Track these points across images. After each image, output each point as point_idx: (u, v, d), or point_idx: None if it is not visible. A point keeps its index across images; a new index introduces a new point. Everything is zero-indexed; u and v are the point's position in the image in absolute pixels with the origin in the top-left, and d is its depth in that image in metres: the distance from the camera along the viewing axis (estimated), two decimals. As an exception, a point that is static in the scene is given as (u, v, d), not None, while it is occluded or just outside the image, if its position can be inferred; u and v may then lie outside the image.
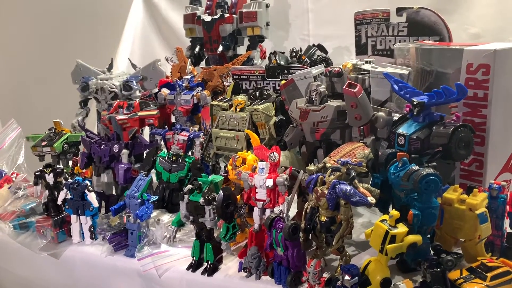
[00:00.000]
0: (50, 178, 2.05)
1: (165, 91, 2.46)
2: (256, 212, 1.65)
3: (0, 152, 2.58)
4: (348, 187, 1.44)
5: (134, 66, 2.79)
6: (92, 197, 1.91)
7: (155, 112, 2.39)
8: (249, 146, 2.03)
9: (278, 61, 2.63)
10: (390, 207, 1.69)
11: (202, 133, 2.25)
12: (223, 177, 1.81)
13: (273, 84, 2.41)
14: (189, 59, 2.88)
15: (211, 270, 1.67)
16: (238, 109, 2.14)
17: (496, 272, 1.39)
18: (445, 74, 1.93)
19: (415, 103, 1.68)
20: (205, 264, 1.69)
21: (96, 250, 1.90)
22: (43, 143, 2.44)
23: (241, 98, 2.15)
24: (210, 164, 2.26)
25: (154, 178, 2.13)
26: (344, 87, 1.80)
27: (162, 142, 2.32)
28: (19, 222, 2.10)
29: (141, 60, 3.06)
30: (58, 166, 2.15)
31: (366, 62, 2.15)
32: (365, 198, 1.43)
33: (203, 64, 3.05)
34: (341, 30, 2.83)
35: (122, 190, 2.12)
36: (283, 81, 2.15)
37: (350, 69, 2.16)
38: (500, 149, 1.84)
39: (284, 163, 1.87)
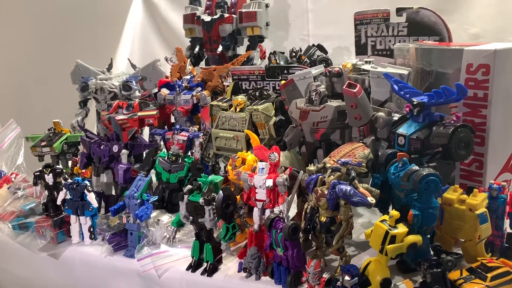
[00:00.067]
0: (49, 178, 2.05)
1: (164, 91, 2.45)
2: (256, 212, 1.65)
3: (-1, 152, 2.58)
4: (348, 187, 1.44)
5: (133, 66, 2.79)
6: (91, 197, 1.91)
7: (154, 112, 2.39)
8: (248, 146, 2.03)
9: (278, 61, 2.62)
10: (390, 207, 1.69)
11: (202, 133, 2.25)
12: (222, 178, 1.81)
13: (272, 84, 2.41)
14: (189, 59, 2.88)
15: (211, 271, 1.67)
16: (237, 109, 2.14)
17: (496, 272, 1.39)
18: (445, 74, 1.93)
19: (415, 103, 1.68)
20: (205, 264, 1.69)
21: (96, 250, 1.90)
22: (43, 143, 2.44)
23: (241, 98, 2.15)
24: (209, 164, 2.26)
25: (154, 179, 2.13)
26: (344, 87, 1.80)
27: (162, 142, 2.32)
28: (18, 222, 2.10)
29: (141, 60, 3.06)
30: (57, 166, 2.15)
31: (366, 62, 2.15)
32: (365, 199, 1.43)
33: (202, 64, 3.05)
34: (341, 30, 2.83)
35: (121, 191, 2.12)
36: (283, 81, 2.15)
37: (350, 69, 2.16)
38: (500, 149, 1.84)
39: (284, 163, 1.87)
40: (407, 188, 1.51)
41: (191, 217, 1.71)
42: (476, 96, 1.78)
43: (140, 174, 1.92)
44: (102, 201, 2.13)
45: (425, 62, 2.00)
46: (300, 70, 2.26)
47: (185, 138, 2.21)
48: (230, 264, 1.71)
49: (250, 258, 1.58)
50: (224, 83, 2.63)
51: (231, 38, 2.90)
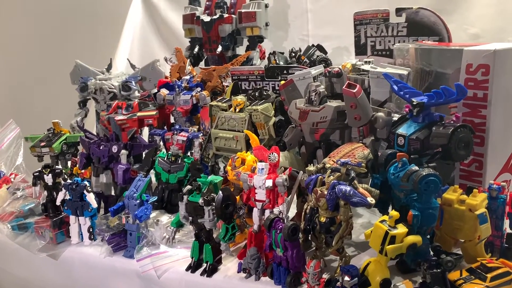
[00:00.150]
0: (49, 178, 2.05)
1: (164, 91, 2.45)
2: (255, 212, 1.65)
3: (-2, 153, 2.58)
4: (348, 188, 1.43)
5: (133, 66, 2.79)
6: (91, 197, 1.91)
7: (154, 113, 2.39)
8: (248, 147, 2.03)
9: (277, 61, 2.62)
10: (390, 207, 1.68)
11: (201, 134, 2.25)
12: (222, 178, 1.81)
13: (272, 84, 2.41)
14: (188, 60, 2.88)
15: (210, 271, 1.67)
16: (237, 110, 2.13)
17: (496, 272, 1.39)
18: (444, 74, 1.93)
19: (414, 103, 1.68)
20: (204, 265, 1.69)
21: (95, 251, 1.89)
22: (42, 144, 2.44)
23: (240, 98, 2.15)
24: (209, 164, 2.26)
25: (153, 179, 2.13)
26: (343, 87, 1.80)
27: (161, 143, 2.32)
28: (17, 223, 2.10)
29: (140, 61, 3.06)
30: (57, 166, 2.15)
31: (366, 62, 2.15)
32: (364, 199, 1.43)
33: (202, 64, 3.05)
34: (341, 31, 2.83)
35: (121, 191, 2.11)
36: (283, 82, 2.15)
37: (350, 70, 2.16)
38: (500, 149, 1.84)
39: (284, 163, 1.87)
40: (407, 189, 1.51)
41: (190, 218, 1.71)
42: (476, 96, 1.78)
43: (139, 175, 1.92)
44: (102, 202, 2.13)
45: (424, 62, 2.00)
46: (300, 70, 2.25)
47: (185, 139, 2.21)
48: (229, 265, 1.71)
49: (250, 259, 1.58)
50: (223, 83, 2.63)
51: (231, 38, 2.90)
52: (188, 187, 1.72)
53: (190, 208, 1.70)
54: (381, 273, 1.43)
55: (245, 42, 2.95)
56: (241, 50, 2.98)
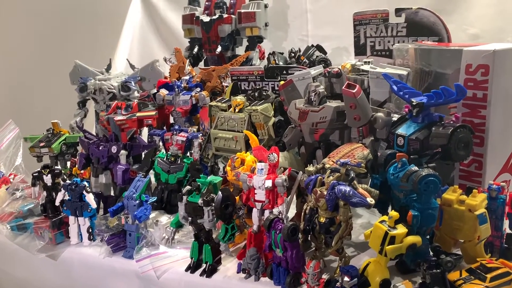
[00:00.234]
0: (48, 179, 2.04)
1: (163, 91, 2.45)
2: (255, 213, 1.65)
3: (-2, 153, 2.58)
4: (347, 188, 1.43)
5: (132, 66, 2.79)
6: (90, 198, 1.91)
7: (153, 113, 2.39)
8: (248, 147, 2.02)
9: (277, 61, 2.62)
10: (390, 208, 1.68)
11: (201, 134, 2.25)
12: (221, 178, 1.81)
13: (272, 84, 2.41)
14: (188, 60, 2.88)
15: (210, 271, 1.67)
16: (236, 110, 2.13)
17: (496, 273, 1.39)
18: (444, 74, 1.93)
19: (414, 103, 1.68)
20: (204, 265, 1.69)
21: (94, 251, 1.89)
22: (41, 144, 2.44)
23: (240, 98, 2.15)
24: (208, 165, 2.26)
25: (153, 179, 2.13)
26: (343, 87, 1.80)
27: (161, 143, 2.32)
28: (16, 223, 2.10)
29: (140, 61, 3.06)
30: (56, 167, 2.14)
31: (365, 62, 2.15)
32: (364, 199, 1.43)
33: (201, 64, 3.05)
34: (340, 31, 2.83)
35: (120, 191, 2.11)
36: (282, 82, 2.15)
37: (349, 70, 2.15)
38: (500, 149, 1.84)
39: (283, 164, 1.87)
40: (407, 189, 1.51)
41: (190, 218, 1.71)
42: (475, 96, 1.78)
43: (138, 175, 1.92)
44: (101, 202, 2.12)
45: (424, 62, 2.00)
46: (299, 70, 2.25)
47: (184, 139, 2.21)
48: (229, 265, 1.70)
49: (249, 259, 1.58)
50: (223, 83, 2.62)
51: (230, 39, 2.90)
52: (188, 187, 1.72)
53: (190, 208, 1.69)
54: (381, 273, 1.43)
55: (245, 43, 2.95)
56: (240, 51, 2.98)
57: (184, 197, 1.70)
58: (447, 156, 1.64)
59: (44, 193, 2.06)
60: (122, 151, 2.13)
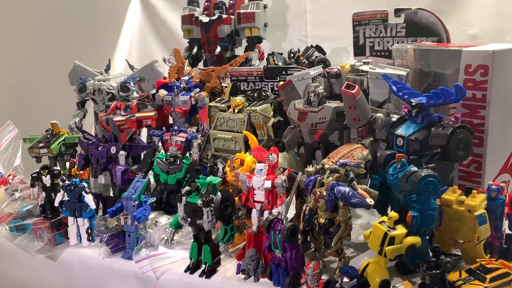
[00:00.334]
0: (47, 179, 2.04)
1: (162, 92, 2.45)
2: (254, 213, 1.65)
3: (-3, 154, 2.57)
4: (347, 189, 1.43)
5: (131, 67, 2.78)
6: (89, 199, 1.90)
7: (152, 114, 2.39)
8: (247, 148, 2.02)
9: (276, 62, 2.62)
10: (389, 208, 1.68)
11: (200, 135, 2.25)
12: (221, 179, 1.81)
13: (271, 85, 2.40)
14: (187, 60, 2.88)
15: (209, 272, 1.66)
16: (236, 110, 2.13)
17: (495, 273, 1.39)
18: (443, 75, 1.93)
19: (413, 104, 1.68)
20: (203, 266, 1.69)
21: (93, 252, 1.89)
22: (40, 145, 2.43)
23: (239, 99, 2.15)
24: (208, 165, 2.25)
25: (152, 180, 2.12)
26: (342, 88, 1.80)
27: (160, 144, 2.31)
28: (15, 224, 2.09)
29: (139, 61, 3.06)
30: (55, 167, 2.14)
31: (364, 63, 2.15)
32: (363, 200, 1.42)
33: (201, 65, 3.05)
34: (339, 31, 2.83)
35: (119, 192, 2.11)
36: (281, 82, 2.15)
37: (348, 70, 2.15)
38: (499, 150, 1.84)
39: (283, 164, 1.87)
40: (406, 189, 1.51)
41: (189, 219, 1.71)
42: (475, 97, 1.78)
43: (138, 176, 1.91)
44: (100, 203, 2.12)
45: (423, 63, 2.00)
46: (299, 71, 2.25)
47: (183, 139, 2.21)
48: (228, 266, 1.70)
49: (249, 260, 1.58)
50: (222, 84, 2.62)
51: (229, 39, 2.90)
52: (187, 188, 1.71)
53: (189, 209, 1.69)
54: (380, 274, 1.43)
55: (244, 43, 2.95)
56: (240, 51, 2.98)
57: (183, 198, 1.70)
58: (446, 156, 1.64)
59: (43, 193, 2.06)
60: (121, 152, 2.12)
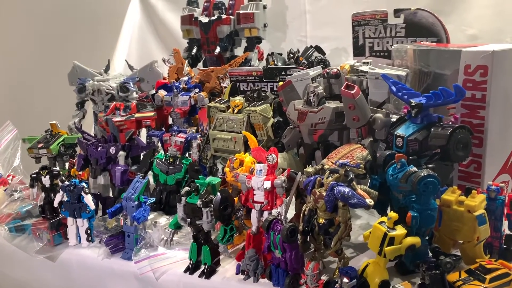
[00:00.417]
0: (46, 180, 2.04)
1: (162, 92, 2.45)
2: (254, 214, 1.65)
3: (-4, 154, 2.57)
4: (346, 189, 1.43)
5: (131, 67, 2.78)
6: (88, 199, 1.90)
7: (152, 114, 2.39)
8: (246, 148, 2.02)
9: (275, 62, 2.62)
10: (389, 209, 1.68)
11: (200, 135, 2.25)
12: (220, 179, 1.80)
13: (270, 85, 2.40)
14: (186, 61, 2.87)
15: (209, 273, 1.66)
16: (235, 111, 2.13)
17: (495, 274, 1.39)
18: (443, 75, 1.93)
19: (413, 104, 1.68)
20: (203, 266, 1.69)
21: (93, 252, 1.89)
22: (40, 145, 2.43)
23: (239, 99, 2.15)
24: (207, 166, 2.25)
25: (151, 180, 2.12)
26: (342, 88, 1.80)
27: (159, 144, 2.31)
28: (15, 224, 2.09)
29: (138, 62, 3.05)
30: (54, 168, 2.13)
31: (364, 63, 2.15)
32: (363, 200, 1.42)
33: (200, 65, 3.05)
34: (339, 32, 2.83)
35: (119, 192, 2.11)
36: (281, 83, 2.14)
37: (348, 71, 2.15)
38: (498, 150, 1.84)
39: (282, 164, 1.87)
40: (406, 190, 1.51)
41: (188, 219, 1.70)
42: (474, 97, 1.78)
43: (137, 176, 1.91)
44: (99, 203, 2.12)
45: (423, 63, 2.00)
46: (298, 71, 2.25)
47: (183, 140, 2.21)
48: (228, 266, 1.70)
49: (248, 260, 1.58)
50: (222, 84, 2.62)
51: (229, 40, 2.90)
52: (186, 188, 1.71)
53: (188, 209, 1.69)
54: (380, 274, 1.43)
55: (243, 43, 2.95)
56: (239, 51, 2.98)
57: (183, 198, 1.70)
58: (446, 157, 1.64)
59: (43, 194, 2.05)
60: (121, 152, 2.12)
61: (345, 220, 1.47)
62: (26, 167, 2.49)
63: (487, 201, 1.54)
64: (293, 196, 1.74)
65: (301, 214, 1.59)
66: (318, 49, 2.76)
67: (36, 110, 3.85)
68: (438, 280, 1.36)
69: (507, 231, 1.62)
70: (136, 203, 1.80)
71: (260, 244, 1.61)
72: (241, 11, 2.82)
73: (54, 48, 3.83)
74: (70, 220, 1.94)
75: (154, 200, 1.92)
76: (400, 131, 1.70)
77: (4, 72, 3.99)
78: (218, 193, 1.63)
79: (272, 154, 1.63)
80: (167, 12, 3.53)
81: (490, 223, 1.53)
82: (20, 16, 3.98)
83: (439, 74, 1.95)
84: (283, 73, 2.35)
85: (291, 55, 2.68)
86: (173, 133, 2.24)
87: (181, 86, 2.43)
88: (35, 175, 2.07)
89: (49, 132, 2.51)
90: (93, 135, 2.45)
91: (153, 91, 2.55)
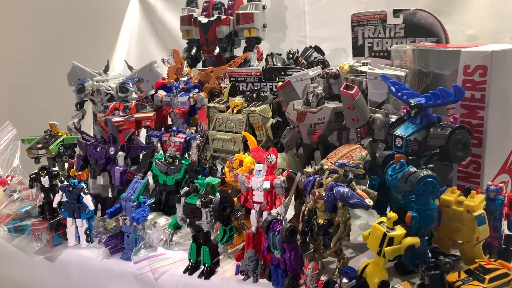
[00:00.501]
0: (45, 180, 2.04)
1: (161, 93, 2.45)
2: (253, 214, 1.65)
3: (-5, 155, 2.57)
4: (346, 189, 1.43)
5: (130, 68, 2.78)
6: (88, 199, 1.90)
7: (151, 114, 2.39)
8: (246, 148, 2.02)
9: (275, 62, 2.62)
10: (388, 209, 1.68)
11: (199, 135, 2.25)
12: (220, 180, 1.80)
13: (270, 86, 2.40)
14: (186, 61, 2.87)
15: (208, 273, 1.66)
16: (235, 111, 2.13)
17: (494, 274, 1.39)
18: (442, 75, 1.93)
19: (412, 104, 1.68)
20: (202, 267, 1.69)
21: (92, 253, 1.89)
22: (39, 146, 2.43)
23: (238, 100, 2.15)
24: (207, 166, 2.25)
25: (151, 181, 2.12)
26: (341, 89, 1.80)
27: (159, 144, 2.31)
28: (14, 225, 2.09)
29: (138, 62, 3.06)
30: (53, 168, 2.14)
31: (363, 63, 2.15)
32: (362, 200, 1.42)
33: (199, 66, 3.05)
34: (338, 32, 2.83)
35: (118, 193, 2.11)
36: (280, 83, 2.14)
37: (347, 71, 2.15)
38: (498, 150, 1.84)
39: (281, 165, 1.86)
40: (405, 190, 1.51)
41: (188, 220, 1.70)
42: (474, 97, 1.78)
43: (136, 176, 1.91)
44: (99, 204, 2.12)
45: (422, 63, 2.00)
46: (297, 71, 2.25)
47: (182, 140, 2.20)
48: (227, 267, 1.70)
49: (248, 261, 1.58)
50: (221, 84, 2.62)
51: (228, 40, 2.89)
52: (186, 189, 1.71)
53: (188, 210, 1.69)
54: (379, 274, 1.43)
55: (243, 44, 2.95)
56: (238, 52, 2.98)
57: (182, 199, 1.70)
58: (445, 157, 1.64)
59: (42, 194, 2.05)
60: (120, 153, 2.12)
61: (345, 220, 1.47)
62: (26, 168, 2.49)
63: (487, 201, 1.54)
64: (293, 197, 1.74)
65: (301, 215, 1.59)
66: (317, 49, 2.76)
67: (35, 110, 3.84)
68: (438, 280, 1.36)
69: (506, 231, 1.62)
70: (135, 203, 1.80)
71: (260, 244, 1.61)
72: (240, 12, 2.82)
73: (53, 49, 3.82)
74: (69, 220, 1.94)
75: (153, 201, 1.92)
76: (400, 131, 1.71)
77: (3, 72, 3.99)
78: (218, 194, 1.63)
79: (271, 155, 1.63)
80: (167, 13, 3.53)
81: (490, 223, 1.52)
82: (20, 16, 3.97)
83: (438, 74, 1.95)
84: (283, 73, 2.35)
85: (291, 56, 2.68)
86: (173, 134, 2.24)
87: (180, 86, 2.43)
88: (34, 175, 2.07)
89: (49, 133, 2.51)
90: (92, 135, 2.45)
91: (153, 92, 2.55)
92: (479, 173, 1.83)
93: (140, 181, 1.86)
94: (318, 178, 1.54)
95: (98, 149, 2.14)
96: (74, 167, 2.26)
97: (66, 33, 3.82)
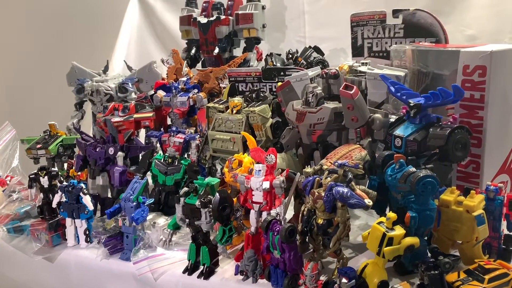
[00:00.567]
0: (44, 181, 2.04)
1: (161, 93, 2.45)
2: (252, 214, 1.64)
3: (-6, 155, 2.56)
4: (345, 189, 1.43)
5: (129, 68, 2.78)
6: (87, 200, 1.90)
7: (150, 114, 2.39)
8: (245, 148, 2.02)
9: (274, 63, 2.62)
10: (387, 209, 1.68)
11: (198, 135, 2.24)
12: (219, 180, 1.80)
13: (269, 86, 2.40)
14: (185, 61, 2.87)
15: (207, 273, 1.66)
16: (234, 111, 2.13)
17: (494, 274, 1.39)
18: (441, 75, 1.93)
19: (411, 105, 1.68)
20: (201, 267, 1.68)
21: (91, 253, 1.88)
22: (38, 146, 2.43)
23: (238, 100, 2.15)
24: (206, 166, 2.25)
25: (150, 181, 2.12)
26: (340, 89, 1.80)
27: (158, 145, 2.31)
28: (13, 225, 2.09)
29: (137, 62, 3.06)
30: (53, 169, 2.14)
31: (363, 64, 2.15)
32: (362, 201, 1.42)
33: (199, 66, 3.05)
34: (337, 32, 2.83)
35: (117, 193, 2.10)
36: (280, 83, 2.14)
37: (347, 71, 2.15)
38: (497, 150, 1.84)
39: (281, 165, 1.86)
40: (404, 190, 1.51)
41: (187, 220, 1.70)
42: (473, 97, 1.78)
43: (136, 177, 1.91)
44: (98, 204, 2.12)
45: (421, 63, 2.00)
46: (297, 72, 2.25)
47: (182, 140, 2.20)
48: (226, 267, 1.70)
49: (247, 261, 1.58)
50: (220, 85, 2.62)
51: (228, 40, 2.89)
52: (185, 189, 1.71)
53: (187, 210, 1.69)
54: (379, 275, 1.43)
55: (242, 44, 2.95)
56: (238, 52, 2.98)
57: (182, 199, 1.70)
58: (444, 157, 1.64)
59: (41, 195, 2.05)
60: (119, 153, 2.12)
61: (344, 220, 1.47)
62: (25, 168, 2.49)
63: (486, 201, 1.54)
64: (292, 197, 1.74)
65: (300, 215, 1.59)
66: (316, 49, 2.76)
67: (34, 110, 3.84)
68: (437, 281, 1.36)
69: (505, 231, 1.62)
70: (134, 203, 1.80)
71: (259, 244, 1.61)
72: (240, 12, 2.82)
73: (52, 49, 3.82)
74: (68, 220, 1.94)
75: (152, 201, 1.92)
76: (399, 131, 1.71)
77: (2, 72, 3.99)
78: (217, 194, 1.63)
79: (271, 155, 1.63)
80: (166, 13, 3.53)
81: (489, 223, 1.52)
82: (19, 16, 3.97)
83: (437, 74, 1.95)
84: (282, 73, 2.35)
85: (290, 56, 2.68)
86: (172, 134, 2.24)
87: (180, 86, 2.43)
88: (33, 175, 2.07)
89: (48, 133, 2.51)
90: (91, 135, 2.44)
91: (152, 92, 2.55)
92: (478, 173, 1.83)
93: (139, 181, 1.86)
94: (317, 178, 1.54)
95: (97, 149, 2.14)
96: (74, 168, 2.26)
97: (65, 33, 3.82)
